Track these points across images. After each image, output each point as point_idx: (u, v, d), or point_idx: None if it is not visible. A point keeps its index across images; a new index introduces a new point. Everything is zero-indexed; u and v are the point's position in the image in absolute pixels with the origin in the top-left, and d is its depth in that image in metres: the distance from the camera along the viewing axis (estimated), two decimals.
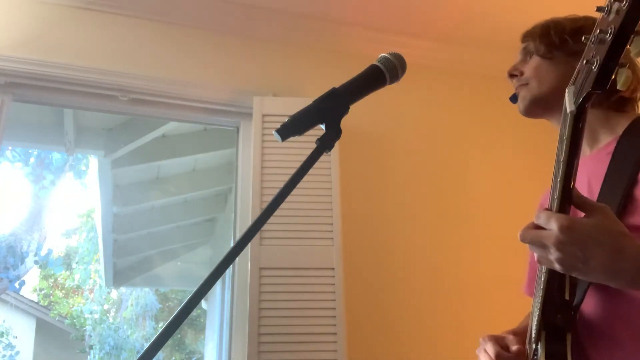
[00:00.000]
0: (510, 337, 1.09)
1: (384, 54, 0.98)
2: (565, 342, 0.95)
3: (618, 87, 0.74)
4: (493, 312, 2.43)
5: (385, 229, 2.60)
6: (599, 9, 0.73)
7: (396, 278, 2.53)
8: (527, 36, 1.25)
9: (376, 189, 2.66)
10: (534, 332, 1.00)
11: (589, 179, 1.08)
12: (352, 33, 2.81)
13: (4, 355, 9.17)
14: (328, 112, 0.91)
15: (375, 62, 0.97)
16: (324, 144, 0.89)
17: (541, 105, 1.19)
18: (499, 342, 1.10)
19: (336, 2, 2.67)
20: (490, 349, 1.09)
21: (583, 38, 0.77)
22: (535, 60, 1.20)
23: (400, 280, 2.53)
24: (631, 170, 0.97)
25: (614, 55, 0.70)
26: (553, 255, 0.80)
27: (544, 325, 0.97)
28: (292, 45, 2.76)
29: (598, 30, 0.72)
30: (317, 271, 2.26)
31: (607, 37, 0.69)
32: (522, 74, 1.22)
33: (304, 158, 0.86)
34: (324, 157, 0.93)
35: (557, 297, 0.96)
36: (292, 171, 0.85)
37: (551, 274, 0.93)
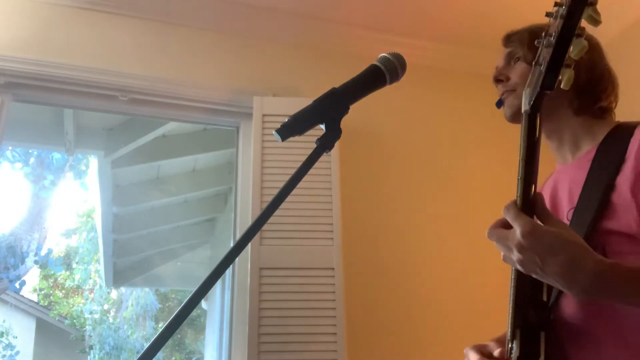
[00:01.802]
0: (492, 344, 1.11)
1: (384, 54, 0.98)
2: (539, 340, 0.97)
3: (562, 87, 0.79)
4: (493, 312, 2.43)
5: (385, 229, 2.60)
6: (548, 15, 0.78)
7: (396, 278, 2.53)
8: (513, 41, 1.24)
9: (376, 189, 2.66)
10: (509, 330, 1.02)
11: (570, 185, 1.10)
12: (352, 33, 2.81)
13: (4, 355, 9.17)
14: (328, 112, 0.91)
15: (375, 62, 0.97)
16: (324, 144, 0.89)
17: None
18: (482, 350, 1.11)
19: (336, 2, 2.67)
20: (473, 357, 1.11)
21: (536, 42, 0.82)
22: (522, 66, 1.20)
23: (400, 280, 2.53)
24: (609, 176, 1.00)
25: (557, 56, 0.75)
26: (515, 256, 0.85)
27: (518, 324, 0.99)
28: (292, 45, 2.76)
29: (545, 34, 0.78)
30: (317, 271, 2.26)
31: (552, 39, 0.75)
32: (507, 79, 1.22)
33: (304, 158, 0.87)
34: (324, 157, 0.93)
35: (532, 296, 0.99)
36: (292, 171, 0.85)
37: (519, 273, 0.96)
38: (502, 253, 0.89)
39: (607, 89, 1.15)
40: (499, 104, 1.24)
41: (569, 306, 1.00)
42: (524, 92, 0.88)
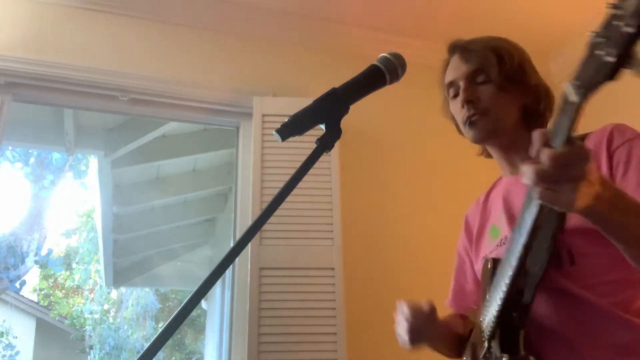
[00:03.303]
0: (424, 302, 1.17)
1: (384, 54, 0.98)
2: (519, 337, 1.02)
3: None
4: None
5: (385, 229, 2.60)
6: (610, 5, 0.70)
7: (396, 278, 2.53)
8: (474, 59, 1.21)
9: (376, 189, 2.66)
10: (487, 331, 1.04)
11: (505, 196, 1.20)
12: (352, 33, 2.81)
13: (4, 355, 9.17)
14: (328, 112, 0.90)
15: (375, 62, 0.97)
16: (324, 144, 0.88)
17: (496, 137, 1.21)
18: (414, 306, 1.18)
19: (336, 2, 2.67)
20: (404, 306, 1.18)
21: (588, 33, 0.74)
22: (491, 88, 1.18)
23: (400, 280, 2.53)
24: None
25: (631, 45, 0.67)
26: (574, 173, 0.77)
27: (500, 324, 1.02)
28: (292, 45, 2.76)
29: (612, 20, 0.69)
30: (317, 271, 2.26)
31: (625, 27, 0.67)
32: (478, 100, 1.18)
33: (304, 158, 0.86)
34: (324, 157, 0.93)
35: (515, 295, 1.01)
36: (292, 171, 0.84)
37: (516, 275, 0.97)
38: (540, 191, 0.78)
39: (551, 104, 1.21)
40: (470, 124, 1.19)
41: (543, 306, 1.03)
42: (567, 85, 0.78)
